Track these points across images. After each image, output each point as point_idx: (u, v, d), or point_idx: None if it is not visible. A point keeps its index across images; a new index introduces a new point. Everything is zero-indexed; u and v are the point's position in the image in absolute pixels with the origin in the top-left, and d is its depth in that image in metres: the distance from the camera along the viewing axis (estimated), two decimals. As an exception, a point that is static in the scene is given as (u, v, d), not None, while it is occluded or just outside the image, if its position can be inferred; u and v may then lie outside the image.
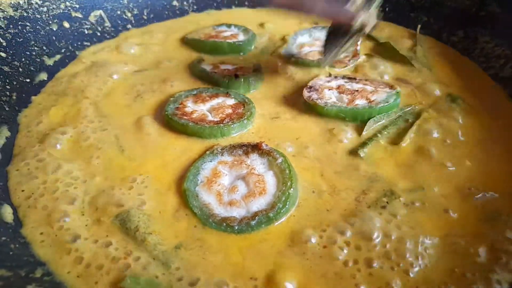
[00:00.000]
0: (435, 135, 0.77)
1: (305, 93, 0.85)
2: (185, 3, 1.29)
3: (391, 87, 0.87)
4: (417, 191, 0.66)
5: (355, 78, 0.91)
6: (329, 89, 0.86)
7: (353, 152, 0.73)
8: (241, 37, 1.13)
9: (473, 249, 0.57)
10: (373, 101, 0.82)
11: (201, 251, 0.58)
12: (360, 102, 0.82)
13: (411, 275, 0.54)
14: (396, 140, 0.76)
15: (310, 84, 0.88)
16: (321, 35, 1.14)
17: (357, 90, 0.85)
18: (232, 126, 0.77)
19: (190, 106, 0.84)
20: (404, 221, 0.61)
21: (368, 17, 0.80)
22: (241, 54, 1.07)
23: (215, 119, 0.80)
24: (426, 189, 0.67)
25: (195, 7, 1.31)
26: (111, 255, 0.57)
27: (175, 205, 0.65)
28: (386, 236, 0.59)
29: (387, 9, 1.25)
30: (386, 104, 0.81)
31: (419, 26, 1.16)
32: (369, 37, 1.14)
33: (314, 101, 0.82)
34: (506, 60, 0.97)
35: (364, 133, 0.77)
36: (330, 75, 0.93)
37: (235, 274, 0.55)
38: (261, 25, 1.22)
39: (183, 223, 0.62)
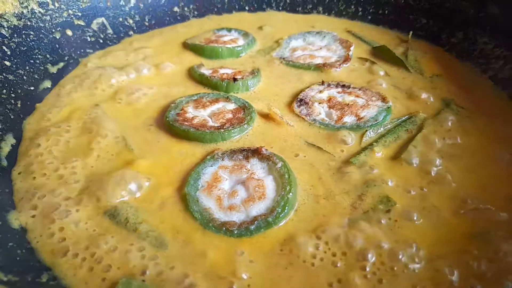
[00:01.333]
0: (433, 144, 0.77)
1: (295, 107, 0.86)
2: (186, 9, 1.31)
3: (384, 99, 0.88)
4: (412, 201, 0.66)
5: (348, 86, 0.92)
6: (320, 103, 0.87)
7: (350, 160, 0.74)
8: (241, 41, 1.15)
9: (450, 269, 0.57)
10: (362, 118, 0.83)
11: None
12: (349, 119, 0.83)
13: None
14: (396, 154, 0.76)
15: (301, 96, 0.90)
16: (315, 39, 1.16)
17: (347, 105, 0.86)
18: (233, 131, 0.78)
19: (190, 111, 0.85)
20: (397, 232, 0.61)
21: None
22: (240, 55, 1.10)
23: (216, 124, 0.81)
24: (422, 199, 0.67)
25: (195, 12, 1.32)
26: (111, 253, 0.59)
27: (176, 208, 0.66)
28: (378, 245, 0.59)
29: (386, 11, 1.26)
30: (375, 122, 0.81)
31: (411, 32, 1.17)
32: (363, 41, 1.15)
33: (303, 117, 0.84)
34: (505, 61, 0.97)
35: (363, 141, 0.78)
36: (323, 82, 0.94)
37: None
38: (260, 28, 1.24)
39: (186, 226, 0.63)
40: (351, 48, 1.09)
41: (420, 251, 0.58)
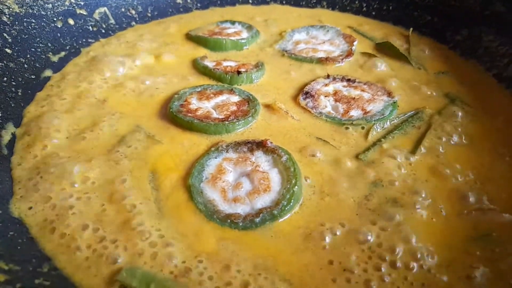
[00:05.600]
0: (440, 140, 0.76)
1: (301, 100, 0.86)
2: (189, 0, 1.30)
3: (389, 94, 0.87)
4: (418, 202, 0.65)
5: (354, 81, 0.92)
6: (326, 96, 0.87)
7: (357, 156, 0.73)
8: (245, 34, 1.14)
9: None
10: (368, 112, 0.82)
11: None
12: (355, 113, 0.82)
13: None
14: (409, 151, 0.74)
15: (306, 89, 0.89)
16: (318, 33, 1.16)
17: (353, 98, 0.86)
18: (237, 123, 0.78)
19: (194, 103, 0.84)
20: (400, 232, 0.60)
21: None
22: (244, 48, 1.09)
23: (220, 116, 0.80)
24: (428, 199, 0.66)
25: (198, 4, 1.31)
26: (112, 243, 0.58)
27: (180, 200, 0.65)
28: (380, 245, 0.58)
29: (390, 7, 1.25)
30: (381, 117, 0.81)
31: (411, 29, 1.17)
32: (366, 37, 1.15)
33: (309, 109, 0.83)
34: (510, 59, 0.97)
35: (370, 137, 0.77)
36: (328, 76, 0.93)
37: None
38: (263, 21, 1.23)
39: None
40: (355, 43, 1.09)
41: (423, 253, 0.57)
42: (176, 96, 0.85)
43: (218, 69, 0.95)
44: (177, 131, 0.78)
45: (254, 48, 1.09)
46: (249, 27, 1.16)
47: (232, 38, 1.09)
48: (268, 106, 0.84)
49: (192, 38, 1.12)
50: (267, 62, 1.01)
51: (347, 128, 0.79)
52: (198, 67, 0.98)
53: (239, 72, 0.92)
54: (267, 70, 0.98)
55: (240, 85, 0.92)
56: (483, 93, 0.92)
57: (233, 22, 1.20)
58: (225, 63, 0.99)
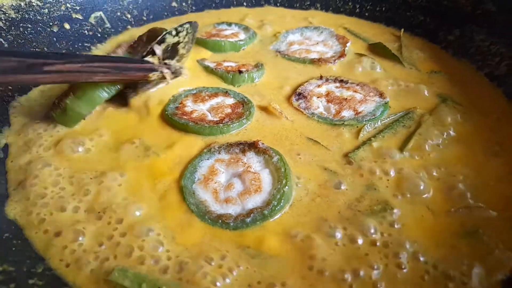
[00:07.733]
0: (430, 139, 0.77)
1: (294, 101, 0.87)
2: (184, 4, 1.31)
3: (381, 95, 0.88)
4: (407, 199, 0.66)
5: (346, 82, 0.93)
6: (318, 97, 0.88)
7: (348, 156, 0.74)
8: (242, 35, 1.15)
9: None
10: (360, 112, 0.83)
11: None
12: (347, 113, 0.83)
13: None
14: (398, 150, 0.75)
15: (299, 90, 0.90)
16: (312, 34, 1.17)
17: (345, 99, 0.87)
18: (232, 126, 0.79)
19: (189, 105, 0.85)
20: (389, 231, 0.61)
21: (171, 67, 0.86)
22: (242, 49, 1.10)
23: (215, 119, 0.81)
24: (418, 197, 0.66)
25: (193, 8, 1.32)
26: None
27: (173, 201, 0.66)
28: (370, 244, 0.59)
29: (383, 8, 1.26)
30: (373, 117, 0.82)
31: (402, 30, 1.18)
32: (359, 38, 1.15)
33: (301, 110, 0.84)
34: (501, 58, 0.97)
35: (360, 136, 0.78)
36: (321, 77, 0.94)
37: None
38: (259, 21, 1.24)
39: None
40: (348, 44, 1.10)
41: (413, 250, 0.58)
42: (171, 98, 0.86)
43: (219, 68, 0.96)
44: (173, 132, 0.79)
45: (249, 49, 1.10)
46: (246, 29, 1.18)
47: (230, 39, 1.10)
48: (262, 107, 0.85)
49: (189, 41, 1.13)
50: (263, 63, 1.02)
51: (338, 128, 0.80)
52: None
53: (240, 72, 0.93)
54: (267, 70, 0.99)
55: (240, 85, 0.93)
56: (475, 92, 0.93)
57: (229, 24, 1.21)
58: (225, 64, 1.01)
